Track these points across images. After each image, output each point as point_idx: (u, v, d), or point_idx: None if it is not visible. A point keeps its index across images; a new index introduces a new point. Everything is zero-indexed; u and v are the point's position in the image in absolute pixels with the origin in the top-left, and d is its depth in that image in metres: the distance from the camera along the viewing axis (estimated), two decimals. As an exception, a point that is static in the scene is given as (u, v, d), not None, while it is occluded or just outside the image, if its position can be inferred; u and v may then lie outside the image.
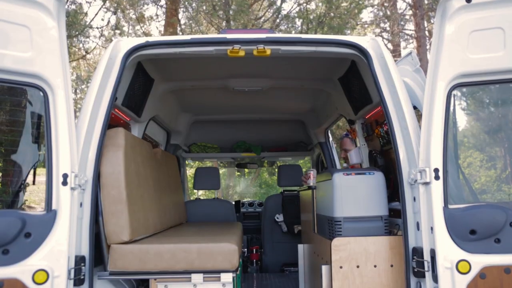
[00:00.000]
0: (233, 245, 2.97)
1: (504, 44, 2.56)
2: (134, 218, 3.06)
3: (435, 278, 2.54)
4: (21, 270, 2.37)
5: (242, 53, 3.09)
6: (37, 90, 2.57)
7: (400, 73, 3.03)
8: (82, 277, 2.62)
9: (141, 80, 3.89)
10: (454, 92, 2.66)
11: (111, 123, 3.38)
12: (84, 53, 15.14)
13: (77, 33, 12.56)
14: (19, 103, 2.84)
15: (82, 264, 2.64)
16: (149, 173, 3.70)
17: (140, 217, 3.23)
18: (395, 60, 3.18)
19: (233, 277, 2.94)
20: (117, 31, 14.14)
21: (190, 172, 12.00)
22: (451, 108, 2.66)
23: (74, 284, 2.58)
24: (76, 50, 14.68)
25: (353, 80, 3.94)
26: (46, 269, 2.40)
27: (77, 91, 21.40)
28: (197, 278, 2.92)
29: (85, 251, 2.68)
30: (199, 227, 4.34)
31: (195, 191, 8.56)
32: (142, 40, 3.08)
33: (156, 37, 5.83)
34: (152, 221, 3.57)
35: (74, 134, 2.63)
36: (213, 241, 3.03)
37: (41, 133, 2.71)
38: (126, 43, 3.06)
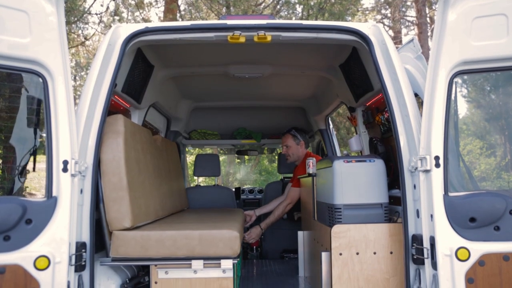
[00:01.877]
0: (234, 231, 2.98)
1: (507, 31, 2.53)
2: (135, 205, 3.07)
3: (434, 265, 2.56)
4: (22, 256, 2.38)
5: (242, 39, 3.07)
6: (36, 77, 2.55)
7: (401, 60, 3.01)
8: (83, 263, 2.64)
9: (140, 67, 3.87)
10: (456, 79, 2.64)
11: (111, 109, 3.37)
12: (83, 40, 15.06)
13: (76, 19, 12.48)
14: (19, 90, 2.83)
15: (83, 250, 2.65)
16: (149, 160, 3.70)
17: (142, 204, 3.24)
18: (397, 47, 3.16)
19: (233, 264, 2.96)
20: (116, 17, 14.05)
21: (190, 159, 12.01)
22: (453, 95, 2.65)
23: (76, 270, 2.60)
24: (75, 36, 14.59)
25: (354, 67, 3.92)
26: (47, 255, 2.41)
27: (77, 78, 21.34)
28: (197, 264, 2.94)
29: (86, 237, 2.70)
30: (201, 214, 4.36)
31: (195, 178, 8.58)
32: (142, 26, 3.06)
33: (156, 23, 5.79)
34: (154, 207, 3.58)
35: (74, 121, 2.62)
36: (214, 228, 3.05)
37: (41, 119, 2.70)
38: (125, 29, 3.03)
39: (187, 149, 7.68)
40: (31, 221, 2.43)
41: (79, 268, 2.62)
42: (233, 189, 6.80)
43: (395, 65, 2.91)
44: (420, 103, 2.91)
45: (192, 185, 8.71)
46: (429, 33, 16.07)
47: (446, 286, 2.49)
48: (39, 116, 2.74)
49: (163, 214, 3.86)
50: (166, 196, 4.13)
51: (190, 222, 3.63)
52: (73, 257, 2.56)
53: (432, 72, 2.61)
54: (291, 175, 5.99)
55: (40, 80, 2.56)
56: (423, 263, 2.64)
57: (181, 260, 2.94)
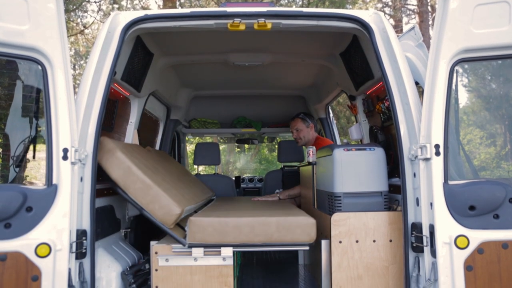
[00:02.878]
0: (311, 218, 3.04)
1: (509, 19, 2.52)
2: (171, 194, 3.10)
3: (433, 253, 2.57)
4: (23, 244, 2.40)
5: (242, 27, 3.05)
6: (35, 64, 2.54)
7: (402, 48, 3.00)
8: (83, 250, 2.65)
9: (140, 55, 3.85)
10: (457, 67, 2.63)
11: (110, 97, 3.37)
12: (82, 28, 14.96)
13: (74, 7, 12.38)
14: (18, 78, 2.81)
15: (84, 238, 2.66)
16: (154, 163, 3.72)
17: (175, 193, 3.28)
18: (397, 36, 3.15)
19: (233, 251, 2.98)
20: (115, 6, 13.94)
21: (190, 148, 12.02)
22: (453, 84, 2.64)
23: (76, 258, 2.61)
24: (74, 25, 14.49)
25: (355, 55, 3.90)
26: (48, 242, 2.42)
27: (76, 66, 21.24)
28: (197, 252, 2.96)
29: (86, 225, 2.71)
30: (243, 202, 4.42)
31: (195, 166, 8.60)
32: (141, 13, 3.04)
33: (155, 10, 5.76)
34: (188, 195, 3.62)
35: (73, 109, 2.62)
36: (290, 215, 3.11)
37: (40, 107, 2.69)
38: (124, 17, 3.01)
39: (187, 138, 7.67)
40: (31, 208, 2.44)
41: (79, 255, 2.63)
42: (233, 178, 6.81)
43: (396, 53, 2.90)
44: (420, 92, 2.91)
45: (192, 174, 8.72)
46: (430, 22, 15.98)
47: (445, 273, 2.51)
48: (39, 104, 2.73)
49: (200, 200, 3.89)
50: (192, 186, 4.17)
51: (260, 209, 3.66)
52: (74, 245, 2.57)
53: (433, 60, 2.60)
54: (291, 163, 5.99)
55: (39, 67, 2.55)
56: (422, 251, 2.66)
57: (259, 247, 3.02)
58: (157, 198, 2.98)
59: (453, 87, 2.64)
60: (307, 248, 3.06)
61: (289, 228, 2.99)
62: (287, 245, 3.05)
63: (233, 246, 3.00)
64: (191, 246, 2.98)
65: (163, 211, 2.97)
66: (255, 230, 2.98)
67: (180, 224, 3.30)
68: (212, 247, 2.99)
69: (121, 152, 3.07)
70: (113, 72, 2.92)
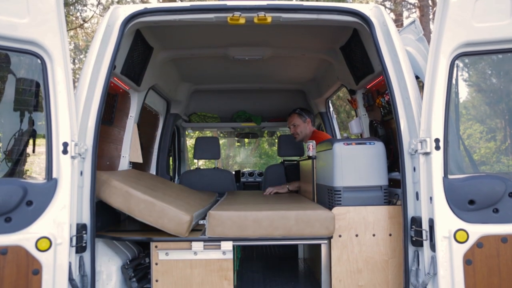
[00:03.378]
0: (330, 212, 3.03)
1: (510, 13, 2.50)
2: (176, 205, 3.09)
3: (432, 247, 2.58)
4: (24, 238, 2.40)
5: (242, 21, 3.04)
6: (34, 58, 2.53)
7: (402, 42, 2.99)
8: (84, 244, 2.66)
9: (140, 48, 3.84)
10: (457, 61, 2.63)
11: (110, 91, 3.36)
12: (81, 22, 14.92)
13: (73, 1, 12.34)
14: (17, 72, 2.80)
15: (84, 232, 2.67)
16: (152, 182, 3.72)
17: (181, 203, 3.28)
18: (398, 30, 3.14)
19: (233, 246, 2.99)
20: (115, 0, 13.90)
21: (190, 142, 12.01)
22: (454, 78, 2.63)
23: (77, 252, 2.62)
24: (73, 19, 14.45)
25: (355, 49, 3.90)
26: (48, 236, 2.42)
27: (75, 61, 21.19)
28: (197, 246, 2.97)
29: (86, 219, 2.71)
30: (259, 197, 4.42)
31: (195, 161, 8.60)
32: (141, 6, 3.03)
33: (155, 4, 5.74)
34: (193, 202, 3.61)
35: (73, 102, 2.61)
36: (309, 209, 3.11)
37: (40, 102, 2.68)
38: (124, 10, 3.01)
39: (186, 132, 7.67)
40: (31, 202, 2.44)
41: (80, 249, 2.64)
42: (233, 172, 6.81)
43: (396, 47, 2.89)
44: (421, 86, 2.90)
45: (192, 168, 8.73)
46: (430, 16, 15.92)
47: (444, 267, 2.51)
48: (38, 98, 2.73)
49: (206, 204, 3.89)
50: (194, 194, 4.17)
51: (271, 202, 3.66)
52: (74, 239, 2.58)
53: (434, 54, 2.59)
54: (291, 158, 5.99)
55: (39, 61, 2.54)
56: (421, 245, 2.66)
57: (279, 240, 3.02)
58: (163, 213, 2.95)
59: (454, 81, 2.63)
60: (326, 242, 3.06)
61: (308, 222, 2.98)
62: (306, 238, 3.05)
63: (233, 240, 2.99)
64: (211, 239, 2.98)
65: (174, 222, 2.94)
66: (274, 223, 2.97)
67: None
68: (231, 241, 2.99)
69: (115, 180, 3.05)
70: (112, 66, 2.92)
